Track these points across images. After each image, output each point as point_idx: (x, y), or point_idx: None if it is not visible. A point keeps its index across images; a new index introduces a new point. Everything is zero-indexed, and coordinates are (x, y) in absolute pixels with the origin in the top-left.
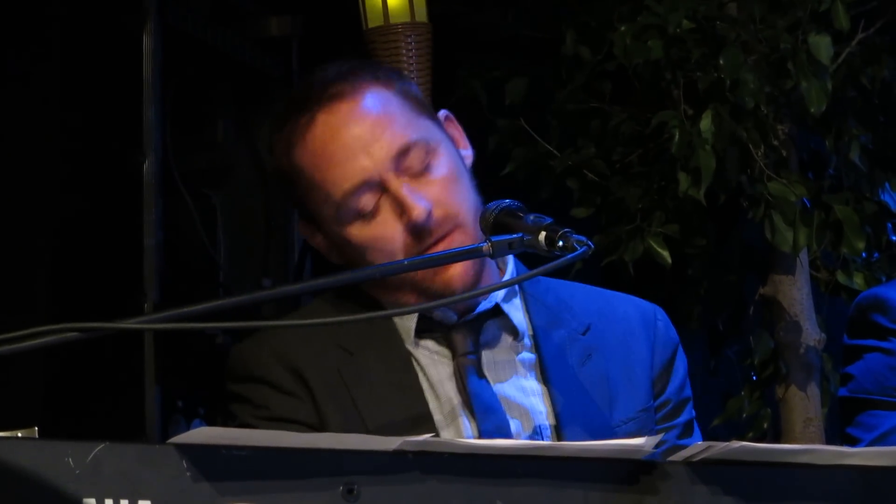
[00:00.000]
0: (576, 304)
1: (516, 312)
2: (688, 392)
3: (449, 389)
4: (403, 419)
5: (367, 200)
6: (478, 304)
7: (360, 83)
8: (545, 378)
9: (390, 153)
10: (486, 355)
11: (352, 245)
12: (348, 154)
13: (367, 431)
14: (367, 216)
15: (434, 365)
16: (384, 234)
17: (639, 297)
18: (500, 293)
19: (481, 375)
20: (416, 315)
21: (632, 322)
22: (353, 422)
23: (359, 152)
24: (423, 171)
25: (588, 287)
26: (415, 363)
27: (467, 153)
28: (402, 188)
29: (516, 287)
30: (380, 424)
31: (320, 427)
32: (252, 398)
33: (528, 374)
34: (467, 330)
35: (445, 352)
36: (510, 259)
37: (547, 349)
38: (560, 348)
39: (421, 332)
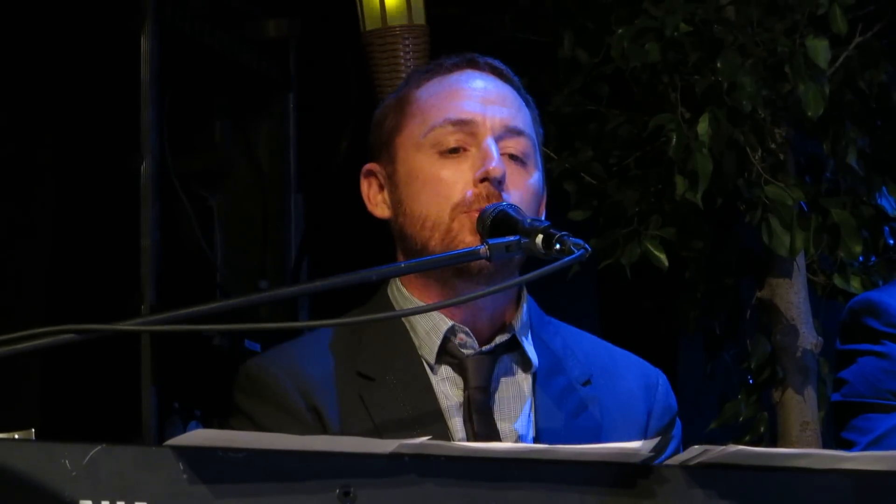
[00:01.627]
0: (580, 353)
1: (530, 347)
2: None
3: (456, 418)
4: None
5: (457, 138)
6: (496, 335)
7: (513, 79)
8: (536, 426)
9: (504, 122)
10: (496, 391)
11: (413, 175)
12: (471, 96)
13: None
14: (446, 153)
15: (446, 395)
16: (450, 176)
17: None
18: (516, 327)
19: (488, 412)
20: (440, 342)
21: (633, 383)
22: None
23: (481, 101)
24: (518, 161)
25: (596, 339)
26: (434, 389)
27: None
28: (494, 143)
29: (530, 323)
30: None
31: None
32: (255, 418)
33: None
34: (483, 362)
35: (459, 381)
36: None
37: (542, 397)
38: (557, 396)
39: (441, 357)
